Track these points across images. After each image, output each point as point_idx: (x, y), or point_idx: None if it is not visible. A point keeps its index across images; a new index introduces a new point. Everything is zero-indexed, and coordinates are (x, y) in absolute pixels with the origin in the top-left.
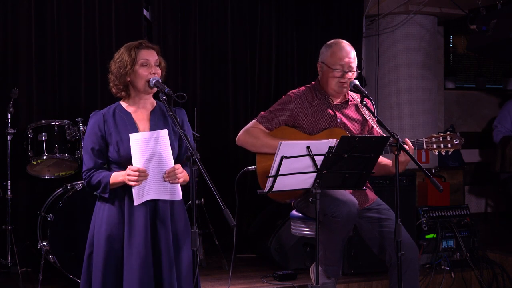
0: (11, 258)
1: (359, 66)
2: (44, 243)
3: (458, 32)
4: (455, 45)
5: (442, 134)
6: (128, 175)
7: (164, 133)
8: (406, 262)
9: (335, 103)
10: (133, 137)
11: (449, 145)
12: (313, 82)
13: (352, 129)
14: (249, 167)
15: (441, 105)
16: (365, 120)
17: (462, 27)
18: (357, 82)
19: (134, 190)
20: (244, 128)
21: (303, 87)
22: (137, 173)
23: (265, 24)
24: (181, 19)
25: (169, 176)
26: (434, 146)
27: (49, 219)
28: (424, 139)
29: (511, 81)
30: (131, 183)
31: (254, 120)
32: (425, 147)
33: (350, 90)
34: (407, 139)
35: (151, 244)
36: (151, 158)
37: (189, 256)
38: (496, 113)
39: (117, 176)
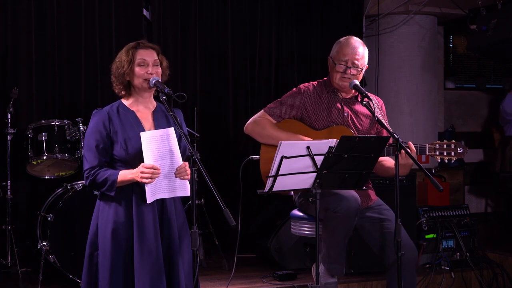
0: (11, 258)
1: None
2: (44, 243)
3: (458, 32)
4: (455, 45)
5: (446, 141)
6: (142, 172)
7: (172, 131)
8: (404, 263)
9: (344, 97)
10: (144, 135)
11: (452, 153)
12: (324, 78)
13: (358, 124)
14: (254, 156)
15: (441, 105)
16: (374, 117)
17: (462, 27)
18: (357, 82)
19: (147, 188)
20: (252, 118)
21: (315, 82)
22: (151, 170)
23: (265, 24)
24: (181, 19)
25: (180, 173)
26: (437, 153)
27: (49, 219)
28: (427, 145)
29: (511, 81)
30: (144, 180)
31: (262, 111)
32: (427, 153)
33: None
34: (410, 143)
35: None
36: (162, 156)
37: (189, 252)
38: (496, 113)
39: (125, 174)
